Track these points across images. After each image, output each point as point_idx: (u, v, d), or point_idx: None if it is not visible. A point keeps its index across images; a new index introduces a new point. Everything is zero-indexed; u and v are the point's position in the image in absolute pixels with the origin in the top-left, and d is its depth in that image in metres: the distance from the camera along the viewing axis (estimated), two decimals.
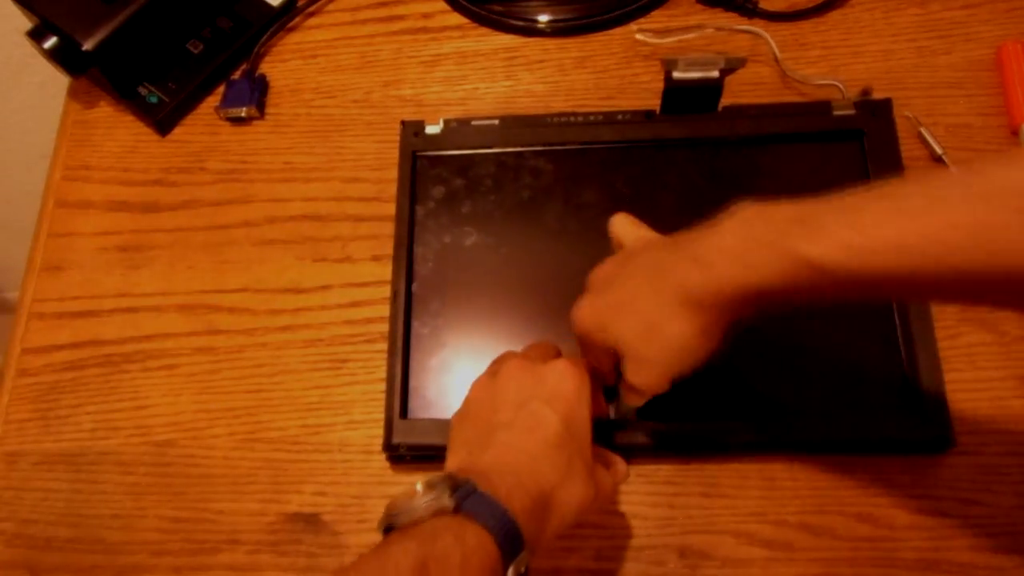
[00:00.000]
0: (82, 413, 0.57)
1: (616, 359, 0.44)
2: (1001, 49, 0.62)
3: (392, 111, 0.65)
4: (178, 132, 0.66)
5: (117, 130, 0.67)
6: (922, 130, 0.59)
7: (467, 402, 0.46)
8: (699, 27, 0.65)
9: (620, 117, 0.60)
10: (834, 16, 0.65)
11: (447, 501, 0.37)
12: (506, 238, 0.58)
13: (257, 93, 0.65)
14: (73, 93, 0.69)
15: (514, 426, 0.42)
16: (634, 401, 0.45)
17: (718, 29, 0.64)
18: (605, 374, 0.47)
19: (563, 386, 0.43)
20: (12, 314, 0.62)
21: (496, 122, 0.61)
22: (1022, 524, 0.49)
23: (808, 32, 0.65)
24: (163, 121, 0.65)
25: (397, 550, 0.35)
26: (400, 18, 0.69)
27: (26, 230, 0.64)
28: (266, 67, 0.68)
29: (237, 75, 0.67)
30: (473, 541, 0.36)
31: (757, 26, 0.65)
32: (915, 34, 0.64)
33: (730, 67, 0.56)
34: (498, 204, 0.59)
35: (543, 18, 0.67)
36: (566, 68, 0.66)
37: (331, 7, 0.70)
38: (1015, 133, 0.59)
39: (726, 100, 0.59)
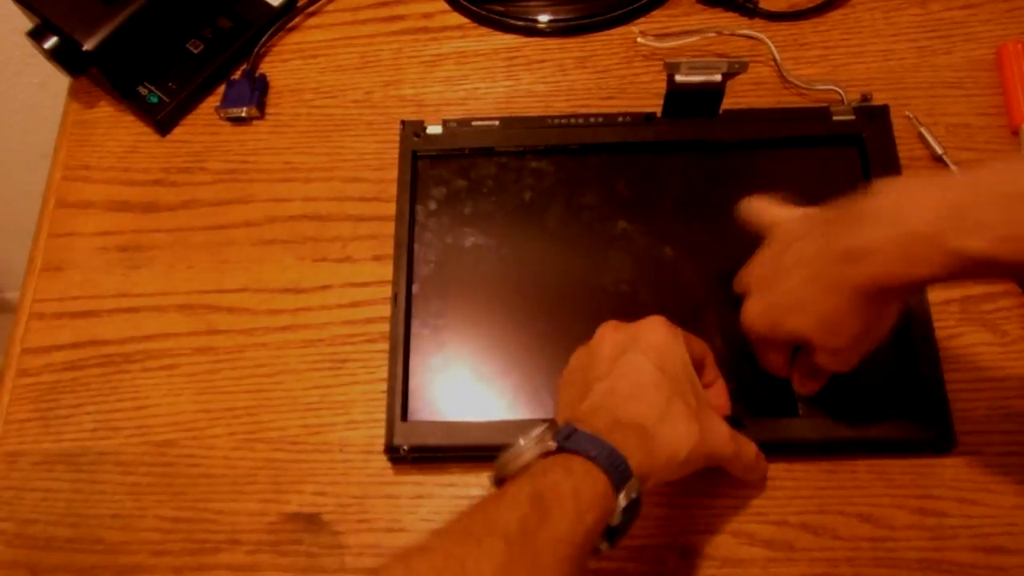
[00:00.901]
0: (82, 413, 0.57)
1: (788, 352, 0.47)
2: (1001, 49, 0.62)
3: (392, 111, 0.65)
4: (178, 132, 0.66)
5: (117, 130, 0.67)
6: (922, 130, 0.59)
7: (567, 370, 0.48)
8: (699, 30, 0.65)
9: (621, 119, 0.60)
10: (834, 16, 0.65)
11: (550, 443, 0.39)
12: (507, 239, 0.58)
13: (257, 93, 0.65)
14: (73, 93, 0.69)
15: (609, 375, 0.44)
16: (811, 390, 0.50)
17: (718, 32, 0.64)
18: (780, 367, 0.49)
19: (654, 336, 0.45)
20: (12, 314, 0.62)
21: (497, 123, 0.61)
22: (1022, 524, 0.49)
23: (808, 32, 0.65)
24: (163, 121, 0.65)
25: (512, 487, 0.37)
26: (400, 18, 0.69)
27: (26, 230, 0.64)
28: (266, 67, 0.68)
29: (237, 75, 0.67)
30: (580, 472, 0.38)
31: (757, 26, 0.65)
32: (915, 34, 0.64)
33: (732, 71, 0.56)
34: (499, 205, 0.59)
35: (543, 18, 0.67)
36: (566, 68, 0.66)
37: (331, 7, 0.70)
38: (1015, 133, 0.59)
39: (727, 103, 0.59)
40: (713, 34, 0.64)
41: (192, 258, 0.62)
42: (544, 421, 0.41)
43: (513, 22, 0.67)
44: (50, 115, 0.71)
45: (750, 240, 0.57)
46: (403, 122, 0.62)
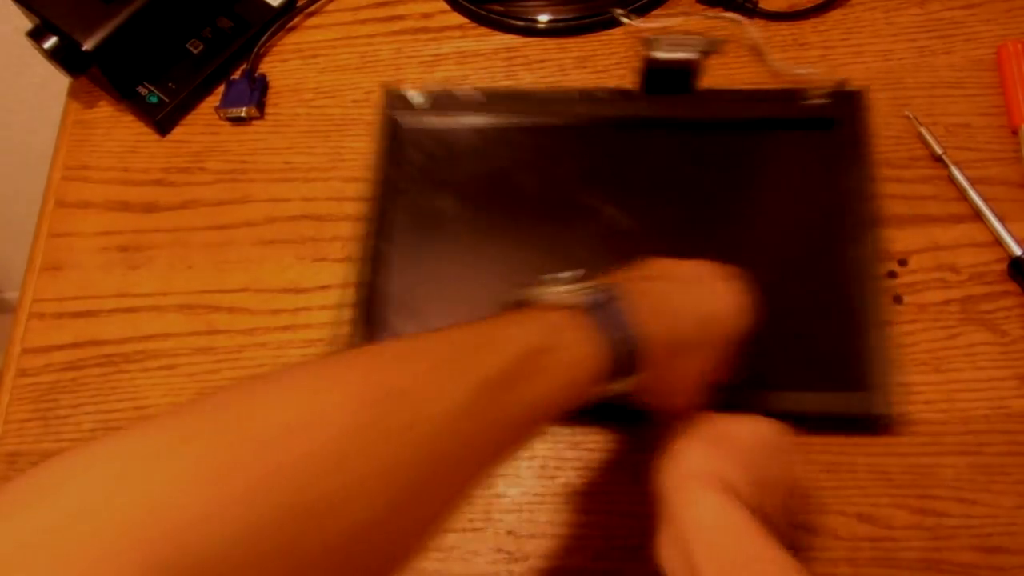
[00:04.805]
0: (82, 413, 0.57)
1: None
2: (1001, 49, 0.62)
3: None
4: (178, 132, 0.66)
5: (117, 130, 0.67)
6: (922, 130, 0.59)
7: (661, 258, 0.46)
8: (683, 14, 0.65)
9: (600, 95, 0.61)
10: (834, 16, 0.65)
11: (585, 300, 0.37)
12: (481, 210, 0.59)
13: (257, 93, 0.65)
14: (73, 93, 0.69)
15: (685, 292, 0.42)
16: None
17: (702, 13, 0.65)
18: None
19: (739, 299, 0.44)
20: (12, 314, 0.62)
21: (479, 94, 0.61)
22: (1022, 524, 0.49)
23: (808, 32, 0.65)
24: (163, 121, 0.65)
25: (516, 330, 0.36)
26: (400, 18, 0.69)
27: (26, 230, 0.64)
28: (266, 67, 0.68)
29: (237, 75, 0.67)
30: (590, 349, 0.36)
31: (757, 25, 0.65)
32: (915, 34, 0.64)
33: (709, 49, 0.56)
34: (475, 175, 0.60)
35: (543, 18, 0.67)
36: (566, 68, 0.66)
37: (331, 7, 0.70)
38: (1015, 133, 0.59)
39: (708, 86, 0.60)
40: (699, 16, 0.65)
41: (192, 258, 0.62)
42: (594, 276, 0.39)
43: (513, 22, 0.67)
44: (50, 115, 0.71)
45: (719, 218, 0.57)
46: (386, 90, 0.62)
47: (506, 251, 0.58)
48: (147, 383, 0.58)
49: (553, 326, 0.36)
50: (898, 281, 0.56)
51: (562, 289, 0.38)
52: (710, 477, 0.39)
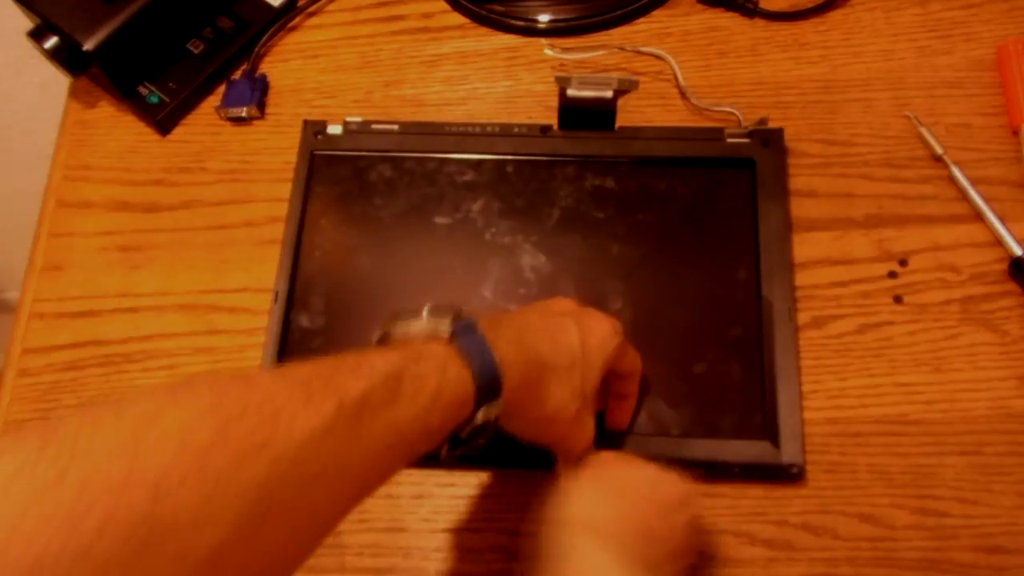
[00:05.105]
0: None
1: None
2: (1001, 49, 0.62)
3: (393, 111, 0.65)
4: (179, 132, 0.66)
5: (118, 130, 0.67)
6: (922, 130, 0.60)
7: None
8: (604, 46, 0.64)
9: (516, 130, 0.61)
10: (834, 16, 0.65)
11: (443, 330, 0.38)
12: (393, 243, 0.58)
13: (258, 93, 0.66)
14: (74, 93, 0.69)
15: (541, 320, 0.44)
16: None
17: (620, 48, 0.64)
18: None
19: (597, 323, 0.45)
20: (12, 314, 0.62)
21: (395, 127, 0.61)
22: (1022, 524, 0.49)
23: (808, 32, 0.65)
24: (163, 121, 0.65)
25: (378, 357, 0.36)
26: (401, 18, 0.69)
27: (26, 230, 0.64)
28: (266, 67, 0.68)
29: (237, 75, 0.67)
30: (453, 374, 0.37)
31: (757, 27, 0.65)
32: (916, 34, 0.64)
33: (623, 88, 0.56)
34: (389, 209, 0.59)
35: (543, 18, 0.67)
36: (567, 68, 0.66)
37: (331, 7, 0.70)
38: (1015, 133, 0.59)
39: (632, 118, 0.59)
40: (616, 49, 0.64)
41: (192, 258, 0.62)
42: (452, 307, 0.40)
43: (513, 22, 0.67)
44: (51, 115, 0.71)
45: (628, 257, 0.56)
46: (305, 121, 0.62)
47: (417, 286, 0.57)
48: (148, 383, 0.58)
49: (415, 354, 0.37)
50: (898, 281, 0.56)
51: (422, 321, 0.39)
52: (594, 526, 0.40)
